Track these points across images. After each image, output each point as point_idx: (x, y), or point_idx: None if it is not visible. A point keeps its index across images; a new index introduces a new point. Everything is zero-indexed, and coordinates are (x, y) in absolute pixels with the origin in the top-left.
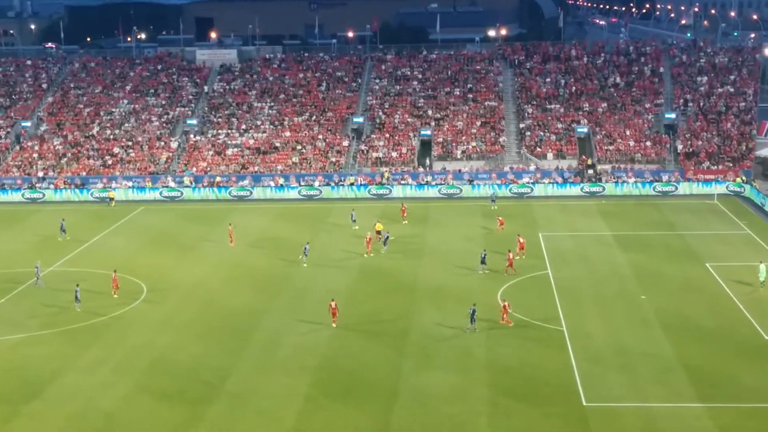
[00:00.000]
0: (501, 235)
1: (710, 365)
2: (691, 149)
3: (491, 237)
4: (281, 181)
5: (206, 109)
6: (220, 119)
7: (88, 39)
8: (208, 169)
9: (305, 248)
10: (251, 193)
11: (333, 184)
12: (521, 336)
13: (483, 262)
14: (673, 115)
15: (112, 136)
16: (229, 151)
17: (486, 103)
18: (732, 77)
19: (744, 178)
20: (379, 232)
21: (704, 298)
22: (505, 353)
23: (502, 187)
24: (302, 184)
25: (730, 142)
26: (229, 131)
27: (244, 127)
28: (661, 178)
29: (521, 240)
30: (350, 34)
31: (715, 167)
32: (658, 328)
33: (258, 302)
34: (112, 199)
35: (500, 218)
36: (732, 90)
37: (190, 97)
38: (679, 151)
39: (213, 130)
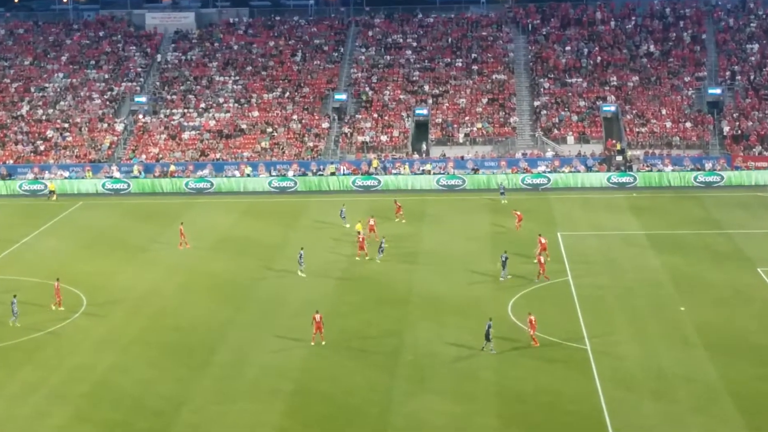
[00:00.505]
0: (516, 235)
1: (762, 391)
2: (739, 131)
3: (502, 237)
4: (248, 170)
5: (158, 84)
6: (174, 96)
7: (16, 0)
8: (161, 156)
9: (300, 255)
10: (212, 185)
11: (310, 174)
12: (537, 356)
13: (505, 266)
14: (717, 91)
15: (44, 117)
16: (185, 135)
17: (494, 77)
18: None
19: None
20: (359, 233)
21: (755, 311)
22: (518, 376)
23: (514, 177)
24: (273, 174)
25: None
26: (186, 111)
27: (203, 105)
28: (704, 166)
29: (543, 240)
30: None
31: None
32: (699, 347)
33: (220, 315)
34: (53, 192)
35: (518, 213)
36: None
37: (139, 69)
38: (725, 133)
39: (166, 109)
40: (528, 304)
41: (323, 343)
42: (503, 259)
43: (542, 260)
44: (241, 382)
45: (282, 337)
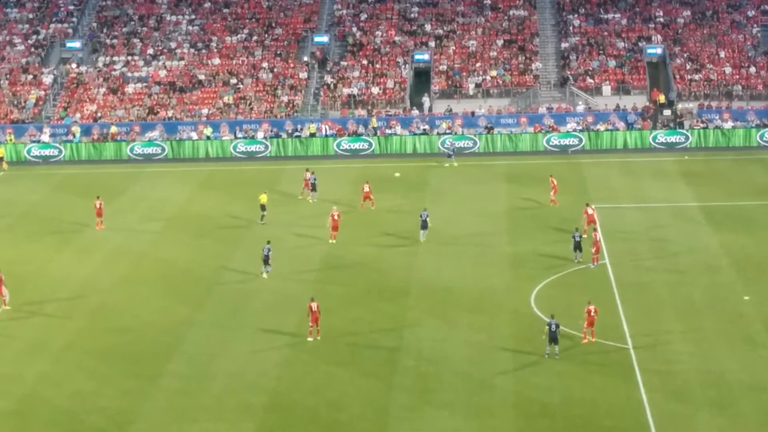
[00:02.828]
0: (546, 209)
1: None
2: None
3: (523, 213)
4: (208, 132)
5: (94, 25)
6: (114, 41)
7: None
8: (99, 115)
9: (265, 251)
10: (163, 150)
11: (285, 135)
12: (567, 358)
13: (577, 248)
14: None
15: None
16: (129, 89)
17: (511, 13)
18: None
19: None
20: (263, 207)
21: None
22: (542, 385)
23: (536, 138)
24: (239, 136)
25: None
26: (130, 58)
27: (150, 52)
28: None
29: (590, 210)
30: None
31: None
32: None
33: (175, 313)
34: (1, 158)
35: (554, 179)
36: None
37: (70, 8)
38: None
39: (105, 56)
40: (553, 295)
41: (318, 338)
42: (576, 239)
43: (597, 238)
44: (203, 397)
45: (252, 340)
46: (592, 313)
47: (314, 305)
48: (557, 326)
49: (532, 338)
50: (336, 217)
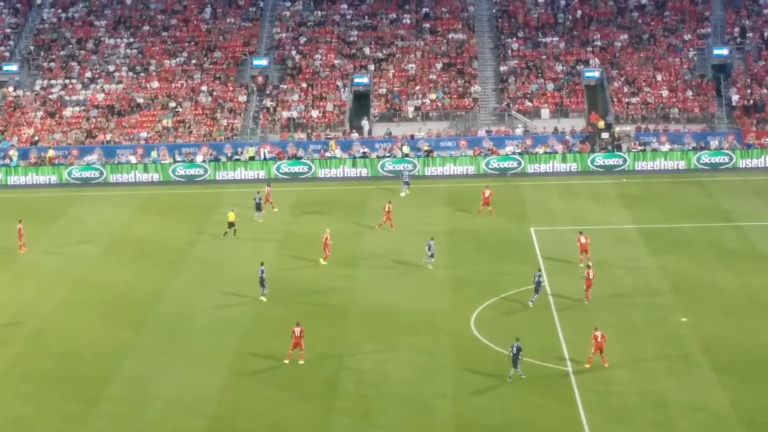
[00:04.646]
0: (482, 226)
1: None
2: (751, 101)
3: (464, 235)
4: (149, 155)
5: (32, 48)
6: (52, 64)
7: None
8: (37, 138)
9: (260, 272)
10: (102, 173)
11: (224, 158)
12: (506, 380)
13: (537, 290)
14: (724, 51)
15: None
16: (67, 112)
17: (450, 36)
18: None
19: None
20: (231, 224)
21: None
22: (483, 406)
23: (476, 160)
24: (178, 159)
25: None
26: (68, 82)
27: (89, 75)
28: (709, 145)
29: (582, 239)
30: None
31: None
32: (706, 368)
33: (114, 337)
34: None
35: (485, 191)
36: None
37: (7, 30)
38: (734, 104)
39: (43, 79)
40: (492, 317)
41: (301, 362)
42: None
43: (590, 275)
44: (142, 421)
45: (190, 364)
46: (599, 339)
47: (297, 330)
48: (518, 349)
49: (472, 360)
50: (327, 239)
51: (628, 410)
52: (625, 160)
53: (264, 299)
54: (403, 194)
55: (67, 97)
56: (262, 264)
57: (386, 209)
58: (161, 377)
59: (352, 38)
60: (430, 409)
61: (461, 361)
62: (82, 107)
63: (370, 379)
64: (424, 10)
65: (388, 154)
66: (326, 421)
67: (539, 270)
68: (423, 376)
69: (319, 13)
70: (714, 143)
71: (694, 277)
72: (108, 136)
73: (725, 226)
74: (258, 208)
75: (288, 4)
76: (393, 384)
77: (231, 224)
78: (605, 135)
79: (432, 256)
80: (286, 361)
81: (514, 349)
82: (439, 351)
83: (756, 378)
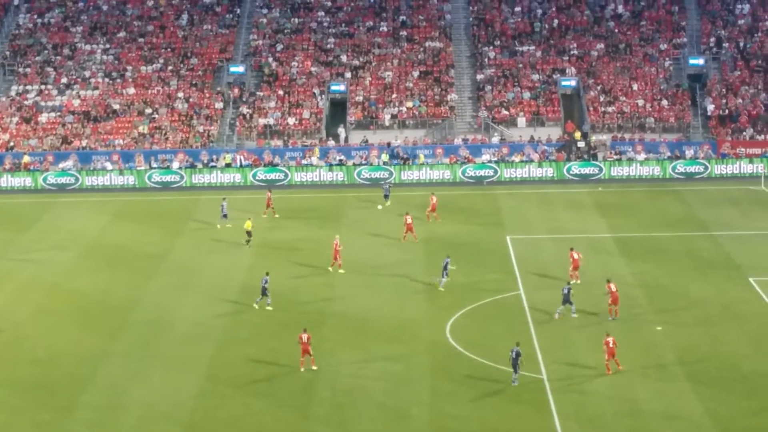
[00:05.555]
0: (458, 238)
1: (755, 428)
2: (726, 111)
3: (440, 242)
4: (125, 162)
5: (7, 54)
6: (28, 69)
7: None
8: (12, 144)
9: (263, 282)
10: (77, 179)
11: (200, 165)
12: (481, 388)
13: (566, 301)
14: (700, 61)
15: None
16: (42, 118)
17: (427, 44)
18: None
19: None
20: (248, 233)
21: (747, 331)
22: (457, 414)
23: (452, 169)
24: (154, 165)
25: None
26: (44, 87)
27: (65, 81)
28: (684, 154)
29: (575, 255)
30: None
31: (762, 137)
32: (681, 377)
33: (89, 344)
34: None
35: (434, 198)
36: None
37: None
38: (709, 113)
39: (18, 85)
40: (472, 324)
41: (314, 367)
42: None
43: (613, 288)
44: (117, 429)
45: (166, 370)
46: (611, 345)
47: (305, 336)
48: (518, 354)
49: (448, 368)
50: (337, 246)
51: (603, 418)
52: (600, 169)
53: (264, 307)
54: (380, 207)
55: (42, 103)
56: (266, 274)
57: (407, 221)
58: (137, 384)
59: (329, 46)
60: (406, 417)
61: (437, 369)
62: (58, 113)
63: (345, 386)
64: (401, 18)
65: (364, 162)
66: (302, 428)
67: (568, 283)
68: (399, 384)
69: (296, 20)
70: (689, 153)
71: (669, 286)
72: (84, 142)
73: (700, 235)
74: (224, 216)
75: (265, 11)
76: (369, 391)
77: (249, 233)
78: (581, 144)
79: (446, 275)
80: (302, 369)
81: (514, 353)
82: (415, 359)
83: (730, 386)
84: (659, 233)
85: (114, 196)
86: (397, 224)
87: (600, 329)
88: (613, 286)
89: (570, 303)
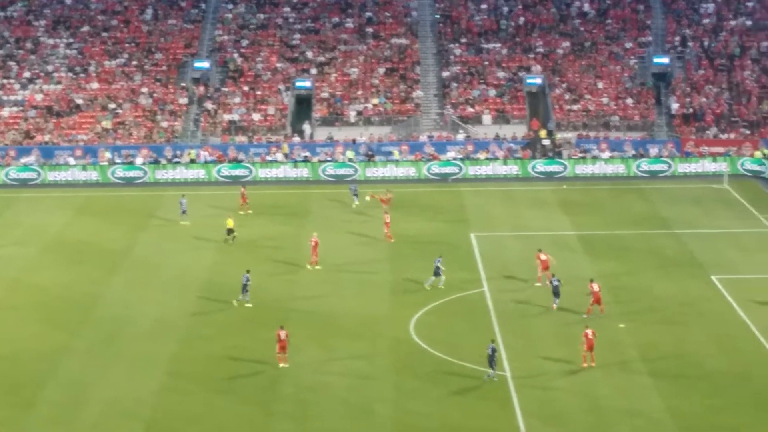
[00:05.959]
0: (417, 236)
1: (717, 426)
2: (690, 109)
3: (405, 240)
4: (85, 157)
5: None
6: None
7: None
8: None
9: (244, 279)
10: (39, 174)
11: (164, 161)
12: (445, 384)
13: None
14: (665, 60)
15: None
16: (4, 112)
17: (393, 41)
18: (751, 4)
19: (766, 151)
20: (230, 230)
21: (709, 328)
22: (420, 411)
23: (417, 166)
24: (117, 161)
25: (747, 100)
26: (6, 81)
27: (27, 75)
28: (648, 152)
29: (543, 257)
30: None
31: (726, 136)
32: (643, 374)
33: (50, 340)
34: None
35: (384, 199)
36: (750, 23)
37: None
38: (673, 112)
39: None
40: (432, 322)
41: (287, 365)
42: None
43: (596, 288)
44: (78, 425)
45: (127, 366)
46: (590, 336)
47: (282, 333)
48: (494, 350)
49: (411, 365)
50: (314, 243)
51: (566, 415)
52: (565, 167)
53: (242, 305)
54: (354, 206)
55: (4, 97)
56: (248, 272)
57: (386, 220)
58: (98, 380)
59: (294, 42)
60: (369, 413)
61: (400, 366)
62: (20, 107)
63: (309, 383)
64: (367, 14)
65: (329, 159)
66: (265, 425)
67: (557, 278)
68: (362, 381)
69: (262, 15)
70: (653, 151)
71: (632, 284)
72: (46, 137)
73: (664, 233)
74: (184, 212)
75: (230, 6)
76: (332, 388)
77: (230, 230)
78: (546, 142)
79: (437, 275)
80: (282, 365)
81: (490, 350)
82: (379, 356)
83: (692, 384)
84: (623, 231)
85: (77, 192)
86: (363, 221)
87: (565, 327)
88: (595, 286)
89: (556, 296)
